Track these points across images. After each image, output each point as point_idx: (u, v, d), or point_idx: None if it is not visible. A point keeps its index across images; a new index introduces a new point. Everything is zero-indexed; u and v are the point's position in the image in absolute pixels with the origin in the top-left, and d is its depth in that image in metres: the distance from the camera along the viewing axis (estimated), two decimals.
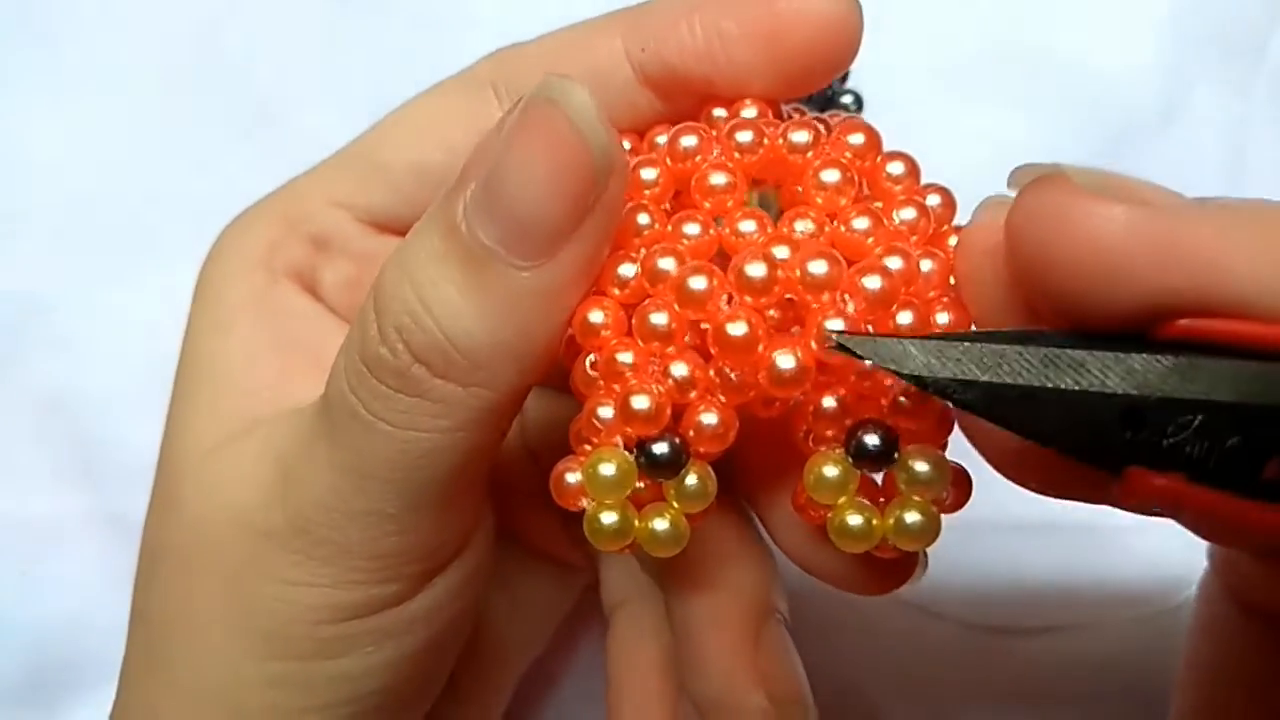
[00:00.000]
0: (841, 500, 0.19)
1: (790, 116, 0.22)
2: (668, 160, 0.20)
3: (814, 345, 0.18)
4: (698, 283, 0.18)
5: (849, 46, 0.21)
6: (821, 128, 0.20)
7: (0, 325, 0.33)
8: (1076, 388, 0.16)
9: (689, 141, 0.20)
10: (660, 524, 0.19)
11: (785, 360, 0.18)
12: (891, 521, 0.19)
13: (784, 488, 0.21)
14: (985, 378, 0.17)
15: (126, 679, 0.23)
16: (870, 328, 0.18)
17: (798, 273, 0.18)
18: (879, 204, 0.20)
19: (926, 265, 0.19)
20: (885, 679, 0.32)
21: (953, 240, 0.20)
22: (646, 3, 0.22)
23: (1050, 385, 0.16)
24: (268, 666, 0.21)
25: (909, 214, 0.20)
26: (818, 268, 0.18)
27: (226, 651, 0.21)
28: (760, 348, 0.18)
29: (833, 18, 0.20)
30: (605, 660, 0.25)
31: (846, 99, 0.30)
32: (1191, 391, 0.16)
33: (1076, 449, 0.17)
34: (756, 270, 0.18)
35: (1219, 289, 0.16)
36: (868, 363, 0.17)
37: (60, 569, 0.33)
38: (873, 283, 0.18)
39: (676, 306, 0.18)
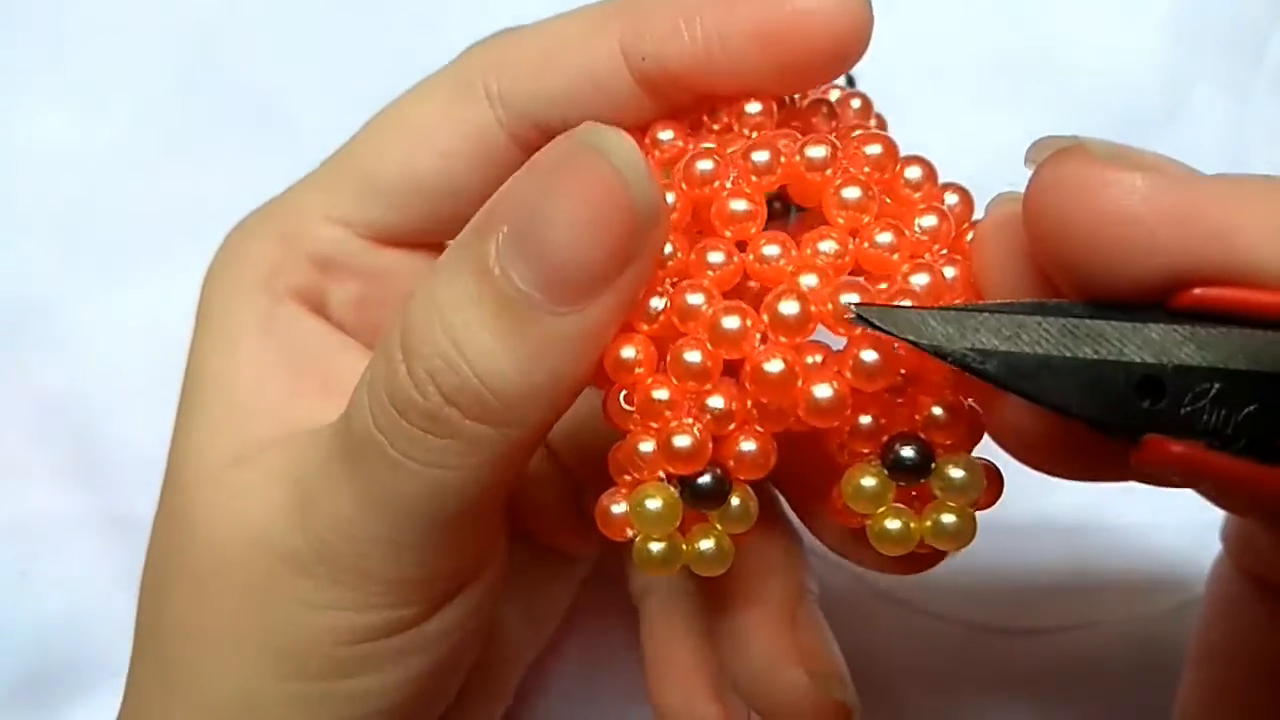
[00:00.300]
0: (880, 509, 0.19)
1: (791, 103, 0.22)
2: (683, 185, 0.20)
3: (849, 375, 0.18)
4: (731, 322, 0.18)
5: (859, 44, 0.20)
6: (836, 141, 0.20)
7: (0, 325, 0.33)
8: (1095, 357, 0.17)
9: (705, 166, 0.20)
10: (706, 544, 0.19)
11: (823, 391, 0.18)
12: (929, 524, 0.19)
13: (821, 485, 0.21)
14: (1004, 347, 0.17)
15: (135, 693, 0.23)
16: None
17: (830, 306, 0.18)
18: (888, 199, 0.20)
19: (950, 273, 0.19)
20: (887, 679, 0.32)
21: (972, 236, 0.20)
22: None
23: (1069, 355, 0.17)
24: (283, 685, 0.21)
25: (930, 221, 0.19)
26: (850, 299, 0.18)
27: (242, 670, 0.21)
28: (799, 383, 0.18)
29: (843, 17, 0.20)
30: (643, 642, 0.26)
31: None
32: (1208, 360, 0.16)
33: (1095, 418, 0.17)
34: (790, 308, 0.18)
35: (1235, 258, 0.16)
36: (900, 338, 0.17)
37: (60, 569, 0.33)
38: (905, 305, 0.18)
39: (709, 345, 0.19)
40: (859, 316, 0.18)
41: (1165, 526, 0.31)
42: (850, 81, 0.30)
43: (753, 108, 0.21)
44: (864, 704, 0.32)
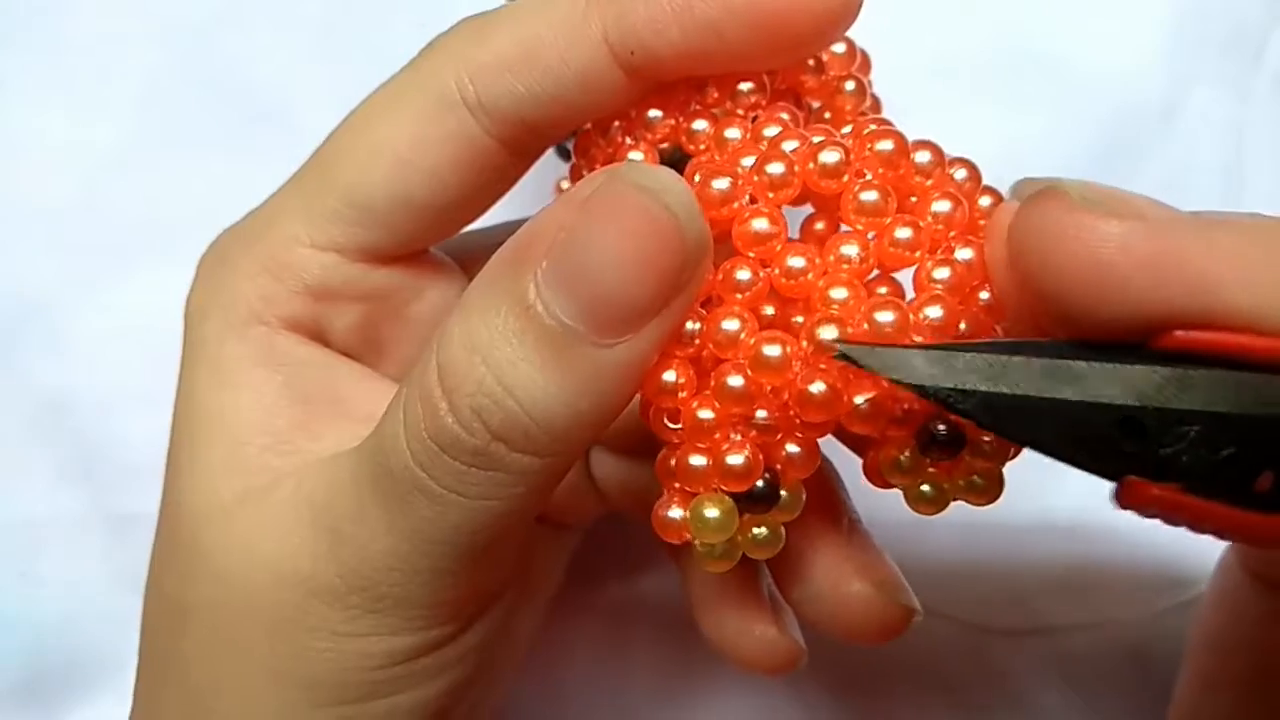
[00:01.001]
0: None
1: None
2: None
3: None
4: (772, 351, 0.19)
5: (853, 14, 0.20)
6: (847, 142, 0.20)
7: None
8: (1075, 398, 0.17)
9: (721, 186, 0.20)
10: (759, 531, 0.20)
11: (863, 399, 0.19)
12: (961, 483, 0.20)
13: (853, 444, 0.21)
14: (985, 388, 0.17)
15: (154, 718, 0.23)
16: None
17: (865, 325, 0.19)
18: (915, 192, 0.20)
19: (967, 255, 0.19)
20: (887, 679, 0.32)
21: (984, 200, 0.20)
22: None
23: (1050, 396, 0.17)
24: (319, 713, 0.21)
25: (943, 207, 0.20)
26: (884, 317, 0.19)
27: (276, 699, 0.21)
28: (844, 398, 0.19)
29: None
30: (688, 587, 0.26)
31: None
32: (1188, 402, 0.16)
33: (1076, 458, 0.17)
34: (830, 334, 0.19)
35: (1214, 302, 0.16)
36: (885, 377, 0.18)
37: (60, 569, 0.33)
38: (935, 312, 0.19)
39: (750, 372, 0.19)
40: (844, 355, 0.18)
41: (1165, 527, 0.31)
42: None
43: (746, 86, 0.21)
44: (863, 704, 0.33)
